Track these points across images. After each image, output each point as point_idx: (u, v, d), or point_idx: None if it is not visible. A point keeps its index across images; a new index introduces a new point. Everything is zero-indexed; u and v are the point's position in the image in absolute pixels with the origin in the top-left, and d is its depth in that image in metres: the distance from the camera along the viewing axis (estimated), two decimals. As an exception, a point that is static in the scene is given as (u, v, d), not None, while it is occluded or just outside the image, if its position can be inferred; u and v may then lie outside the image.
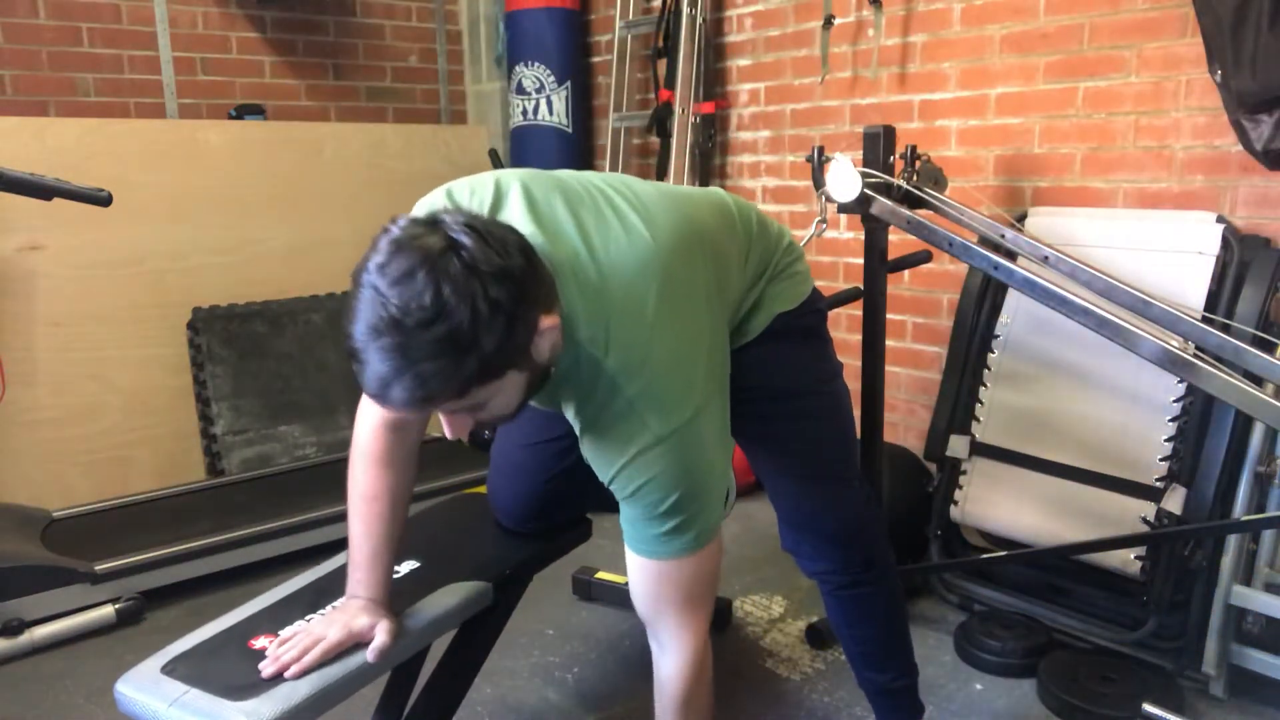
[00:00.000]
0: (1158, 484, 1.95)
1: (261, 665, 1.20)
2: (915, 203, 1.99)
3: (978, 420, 2.24)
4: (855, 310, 2.27)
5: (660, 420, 1.14)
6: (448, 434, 1.09)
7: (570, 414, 1.20)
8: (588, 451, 1.19)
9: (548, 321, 1.04)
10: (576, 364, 1.14)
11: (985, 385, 2.24)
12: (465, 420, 1.08)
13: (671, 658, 1.25)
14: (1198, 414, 1.94)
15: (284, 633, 1.29)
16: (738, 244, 1.36)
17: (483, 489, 1.75)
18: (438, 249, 0.95)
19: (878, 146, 2.02)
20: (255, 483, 2.81)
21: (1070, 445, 2.08)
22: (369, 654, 1.23)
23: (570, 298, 1.12)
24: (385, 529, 1.32)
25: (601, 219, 1.18)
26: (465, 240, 0.96)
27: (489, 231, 0.99)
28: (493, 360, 0.98)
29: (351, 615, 1.27)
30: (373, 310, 0.94)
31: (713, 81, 3.10)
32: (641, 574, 1.23)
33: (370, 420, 1.31)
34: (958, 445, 2.24)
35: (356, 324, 0.95)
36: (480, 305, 0.94)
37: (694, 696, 1.26)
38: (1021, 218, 2.29)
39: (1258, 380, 1.61)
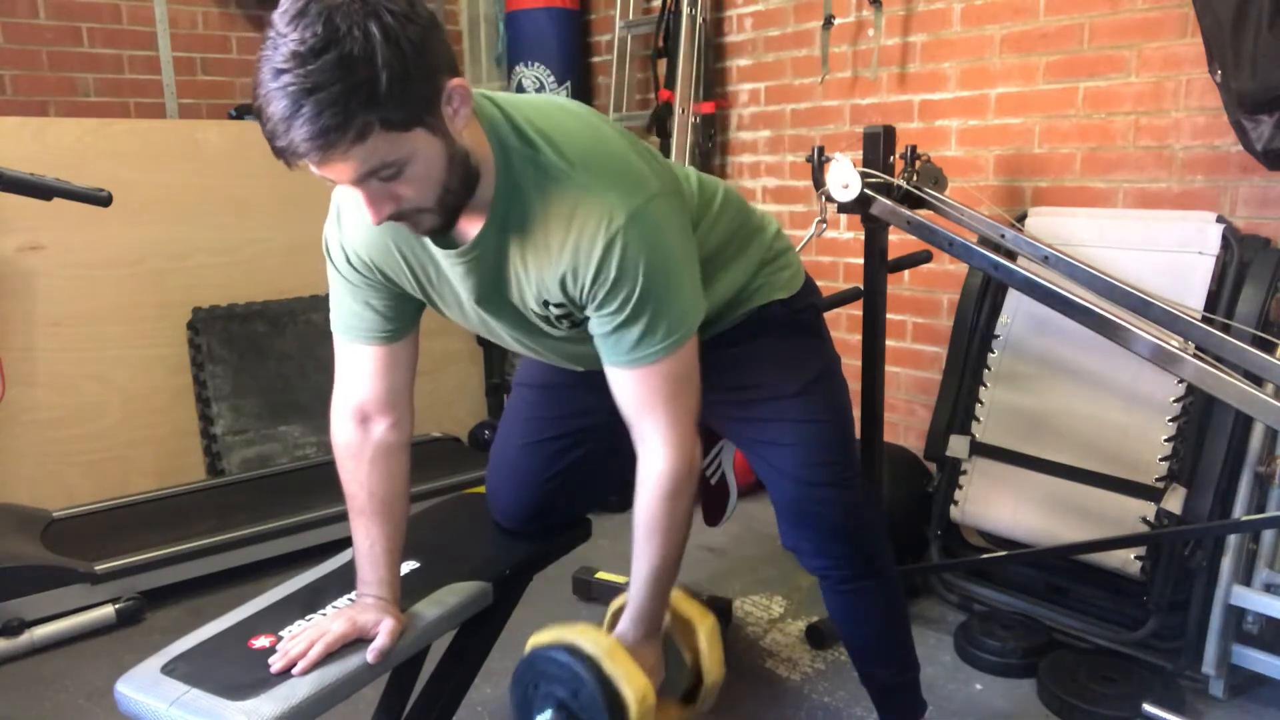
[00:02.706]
0: (1158, 484, 1.95)
1: (271, 660, 1.21)
2: (915, 203, 1.99)
3: (978, 420, 2.24)
4: (855, 310, 2.27)
5: (620, 195, 1.14)
6: (371, 218, 1.06)
7: (535, 247, 1.17)
8: (560, 267, 1.16)
9: (454, 82, 1.03)
10: (513, 176, 1.14)
11: (985, 385, 2.24)
12: (382, 197, 1.05)
13: (663, 454, 1.24)
14: (1198, 414, 1.94)
15: (287, 631, 1.29)
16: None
17: (482, 489, 1.75)
18: None
19: (878, 146, 2.02)
20: (255, 483, 2.81)
21: (1070, 445, 2.08)
22: (369, 654, 1.24)
23: (499, 132, 1.14)
24: (379, 526, 1.33)
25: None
26: None
27: None
28: (392, 99, 0.96)
29: (359, 610, 1.29)
30: (273, 51, 0.94)
31: (713, 81, 3.10)
32: (625, 384, 1.24)
33: (341, 415, 1.34)
34: (958, 445, 2.24)
35: (261, 72, 0.95)
36: (372, 30, 0.94)
37: (681, 491, 1.26)
38: (1021, 218, 2.29)
39: (1258, 380, 1.61)
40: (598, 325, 1.21)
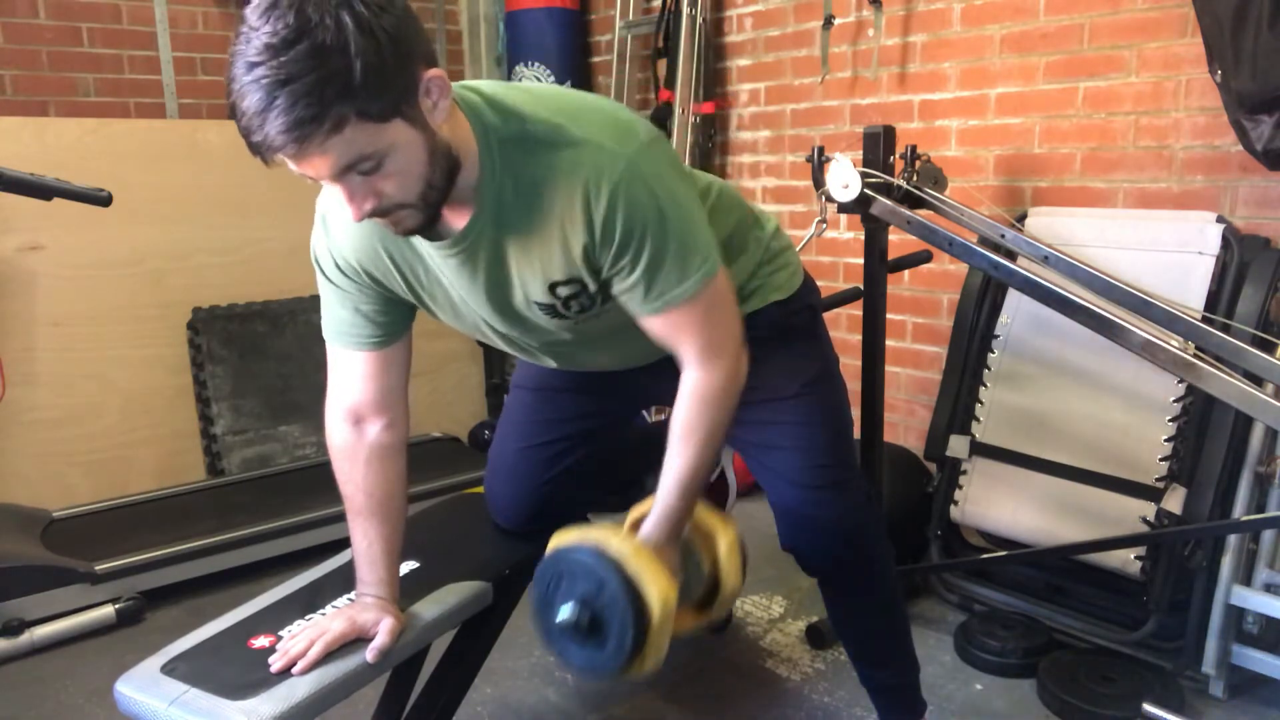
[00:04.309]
0: (1158, 484, 1.95)
1: (271, 660, 1.21)
2: (915, 203, 1.99)
3: (978, 420, 2.24)
4: (855, 310, 2.27)
5: (615, 145, 1.13)
6: (352, 215, 1.05)
7: (533, 224, 1.15)
8: (565, 233, 1.14)
9: (432, 73, 1.02)
10: (500, 156, 1.13)
11: (985, 385, 2.24)
12: (362, 192, 1.03)
13: (699, 369, 1.26)
14: (1198, 414, 1.94)
15: (287, 631, 1.30)
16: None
17: (482, 489, 1.75)
18: None
19: (878, 146, 2.02)
20: (255, 483, 2.81)
21: (1070, 445, 2.08)
22: (368, 653, 1.24)
23: (481, 115, 1.12)
24: (377, 526, 1.32)
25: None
26: None
27: None
28: (367, 89, 0.95)
29: (358, 610, 1.29)
30: (245, 45, 0.94)
31: (713, 81, 3.10)
32: (658, 327, 1.24)
33: (334, 417, 1.33)
34: (958, 445, 2.24)
35: (234, 67, 0.95)
36: (345, 19, 0.93)
37: (717, 400, 1.27)
38: (1021, 218, 2.29)
39: (1258, 380, 1.61)
40: (619, 283, 1.19)
